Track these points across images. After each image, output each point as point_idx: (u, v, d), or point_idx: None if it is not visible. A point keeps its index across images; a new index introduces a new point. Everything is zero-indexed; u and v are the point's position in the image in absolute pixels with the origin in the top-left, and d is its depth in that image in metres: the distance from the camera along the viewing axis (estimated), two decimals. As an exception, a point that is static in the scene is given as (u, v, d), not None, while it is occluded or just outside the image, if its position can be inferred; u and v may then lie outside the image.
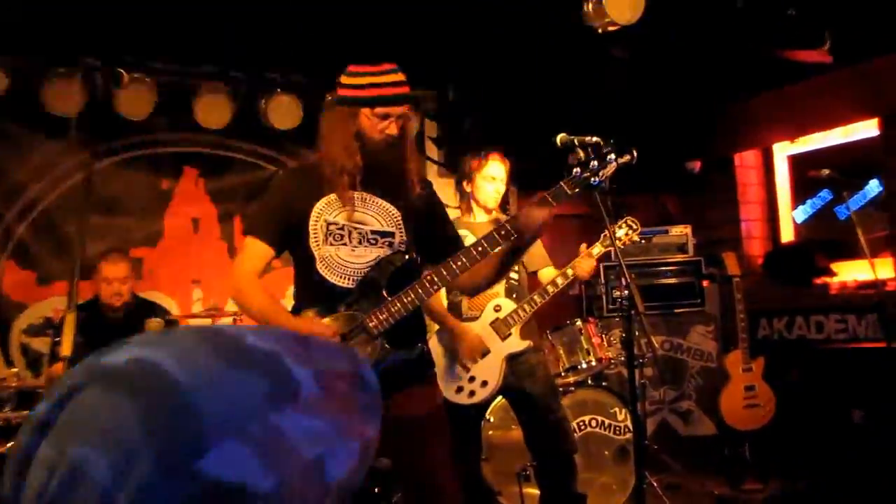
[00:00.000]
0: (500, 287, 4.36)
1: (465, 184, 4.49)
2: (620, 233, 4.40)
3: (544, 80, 6.09)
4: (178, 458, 0.76)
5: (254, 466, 0.78)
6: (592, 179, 2.71)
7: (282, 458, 0.81)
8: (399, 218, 2.89)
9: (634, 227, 4.44)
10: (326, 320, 2.78)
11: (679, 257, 6.49)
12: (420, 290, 2.76)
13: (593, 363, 4.76)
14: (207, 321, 5.39)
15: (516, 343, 4.27)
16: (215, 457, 0.77)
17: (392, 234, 2.87)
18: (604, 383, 5.25)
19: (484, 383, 4.19)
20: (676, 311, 6.45)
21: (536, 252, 4.54)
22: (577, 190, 2.71)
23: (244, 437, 0.79)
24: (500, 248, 2.81)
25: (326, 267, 2.82)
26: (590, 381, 5.08)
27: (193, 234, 6.50)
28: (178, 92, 6.00)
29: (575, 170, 2.72)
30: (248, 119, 6.25)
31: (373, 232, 2.85)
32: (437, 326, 4.24)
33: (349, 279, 2.82)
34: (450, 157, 7.03)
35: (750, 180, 7.38)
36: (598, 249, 4.34)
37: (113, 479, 0.74)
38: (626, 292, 3.58)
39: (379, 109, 2.82)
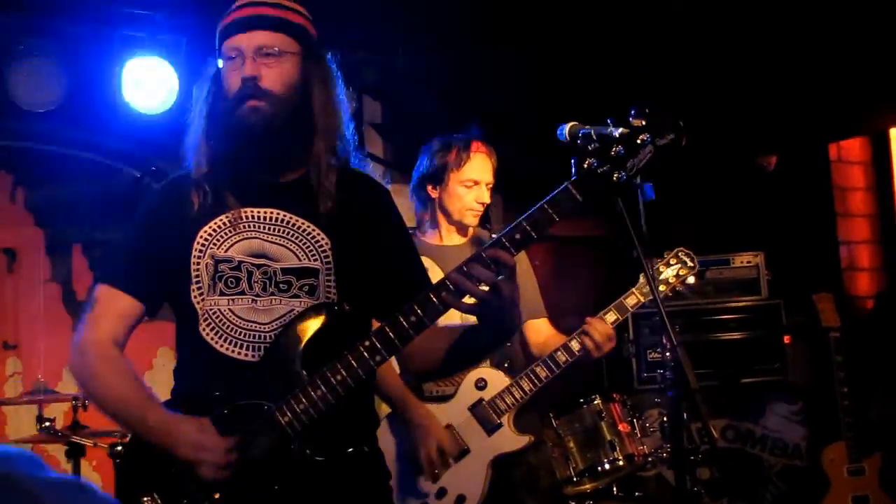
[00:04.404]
0: None
1: (429, 188, 4.49)
2: (668, 272, 4.40)
3: (543, 40, 6.12)
4: None
5: None
6: (616, 175, 2.62)
7: None
8: (327, 245, 2.82)
9: (690, 263, 4.42)
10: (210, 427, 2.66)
11: (747, 300, 6.52)
12: (354, 365, 2.67)
13: (620, 462, 4.74)
14: (31, 409, 5.28)
15: (509, 439, 4.24)
16: None
17: (315, 273, 2.80)
18: (637, 493, 5.22)
19: (460, 499, 4.17)
20: (745, 380, 6.46)
21: (528, 296, 4.52)
22: (590, 194, 2.63)
23: None
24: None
25: (214, 328, 2.78)
26: (616, 491, 5.05)
27: (7, 274, 6.46)
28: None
29: (588, 160, 2.63)
30: (91, 96, 6.20)
31: (285, 271, 2.79)
32: (387, 409, 4.22)
33: (251, 348, 2.76)
34: (401, 152, 7.03)
35: (854, 182, 7.45)
36: (612, 316, 4.34)
37: None
38: (669, 355, 3.58)
39: (226, 45, 2.80)
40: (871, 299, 7.28)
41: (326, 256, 2.81)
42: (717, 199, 7.33)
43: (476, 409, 4.26)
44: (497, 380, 4.29)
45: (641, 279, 4.36)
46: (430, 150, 4.50)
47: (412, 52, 6.62)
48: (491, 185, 4.46)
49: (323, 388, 2.65)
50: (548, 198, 2.64)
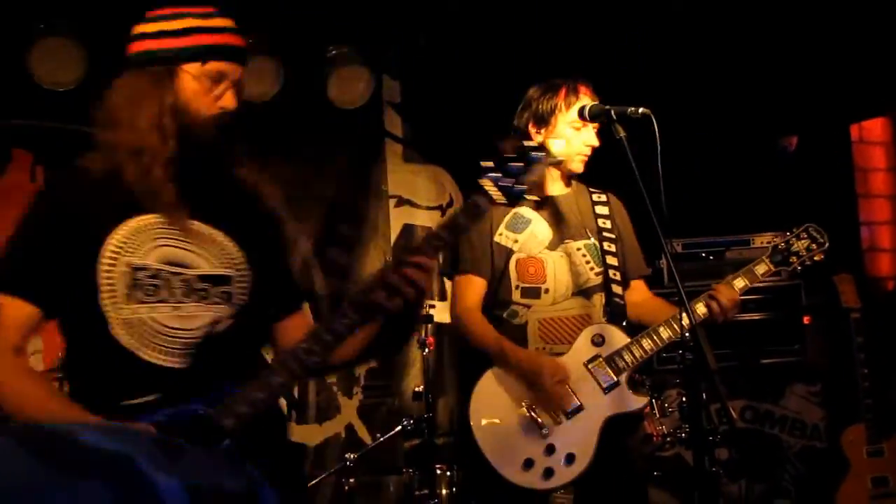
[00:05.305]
0: (594, 308, 4.29)
1: (533, 131, 4.28)
2: (799, 245, 4.33)
3: (561, 21, 6.12)
4: None
5: None
6: (515, 186, 2.85)
7: None
8: (239, 254, 2.89)
9: (821, 240, 4.33)
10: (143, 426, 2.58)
11: (767, 280, 6.46)
12: (294, 367, 2.74)
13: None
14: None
15: (626, 398, 4.12)
16: None
17: (229, 280, 2.86)
18: (655, 473, 5.23)
19: (569, 458, 4.03)
20: (764, 361, 6.46)
21: (632, 250, 4.49)
22: (495, 202, 2.88)
23: None
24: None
25: (136, 336, 2.73)
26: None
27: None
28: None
29: (493, 172, 2.87)
30: (111, 75, 6.22)
31: (201, 277, 2.82)
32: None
33: (176, 354, 2.76)
34: (420, 132, 7.03)
35: (875, 163, 7.43)
36: (741, 282, 4.28)
37: None
38: (688, 336, 3.57)
39: (213, 65, 2.80)
40: (892, 280, 7.26)
41: (236, 262, 2.87)
42: (738, 180, 7.32)
43: (592, 364, 4.14)
44: (615, 336, 4.18)
45: (769, 249, 4.35)
46: (531, 96, 4.31)
47: (432, 32, 6.62)
48: (597, 129, 4.25)
49: (264, 390, 2.68)
50: (459, 208, 2.87)
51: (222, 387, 2.70)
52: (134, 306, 2.72)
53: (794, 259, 4.31)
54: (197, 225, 2.83)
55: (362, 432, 6.61)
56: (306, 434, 6.48)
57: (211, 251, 2.83)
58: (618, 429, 4.15)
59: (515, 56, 6.38)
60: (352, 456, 5.56)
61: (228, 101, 2.82)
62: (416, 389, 5.66)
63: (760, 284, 6.37)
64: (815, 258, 4.34)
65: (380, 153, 7.01)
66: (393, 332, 2.90)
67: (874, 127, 7.42)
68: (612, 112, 3.74)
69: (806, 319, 6.46)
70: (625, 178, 3.61)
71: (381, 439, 5.96)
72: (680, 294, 3.48)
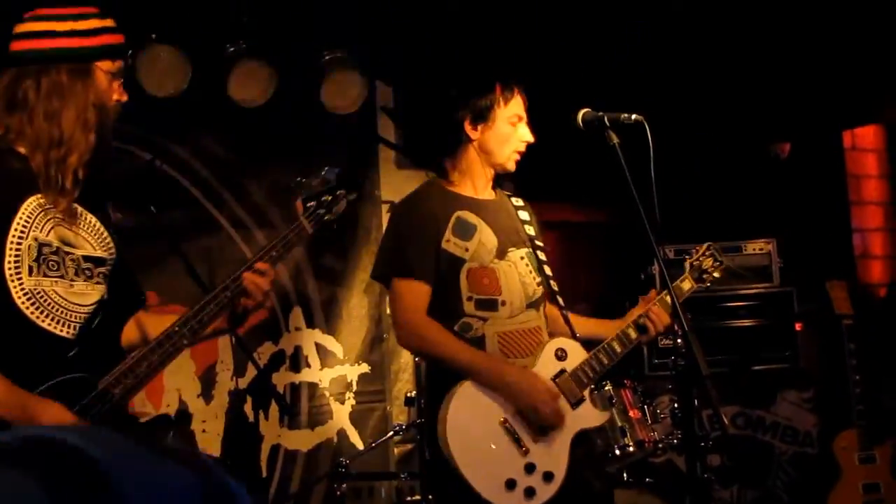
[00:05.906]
0: (543, 320, 4.24)
1: (469, 127, 4.15)
2: (707, 263, 4.37)
3: (556, 25, 6.13)
4: None
5: None
6: (327, 217, 3.35)
7: None
8: (108, 238, 3.14)
9: (719, 258, 4.40)
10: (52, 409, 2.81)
11: (759, 287, 6.52)
12: (168, 347, 3.04)
13: (631, 448, 4.73)
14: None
15: (592, 413, 4.12)
16: None
17: (104, 262, 3.11)
18: (647, 479, 5.23)
19: (548, 476, 3.97)
20: (756, 368, 6.47)
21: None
22: (317, 229, 3.35)
23: None
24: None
25: (39, 307, 2.92)
26: (627, 477, 5.06)
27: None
28: None
29: (309, 203, 3.35)
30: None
31: (86, 259, 3.06)
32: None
33: (73, 327, 2.98)
34: (413, 139, 7.03)
35: (868, 170, 7.45)
36: (688, 284, 4.30)
37: None
38: (681, 342, 3.59)
39: (119, 62, 3.09)
40: (884, 287, 7.28)
41: (110, 248, 3.13)
42: (730, 186, 7.34)
43: (559, 380, 4.08)
44: (576, 351, 4.15)
45: (687, 268, 4.36)
46: (462, 93, 4.20)
47: (427, 36, 6.62)
48: (528, 124, 4.18)
49: (145, 364, 2.99)
50: (289, 229, 3.31)
51: (116, 359, 2.99)
52: (38, 278, 2.91)
53: (706, 276, 4.36)
54: (80, 209, 3.06)
55: (354, 438, 6.60)
56: (298, 440, 6.48)
57: (91, 235, 3.07)
58: (580, 445, 4.13)
59: (511, 60, 6.39)
60: (344, 461, 5.56)
61: (124, 94, 3.10)
62: (409, 395, 5.66)
63: (751, 291, 6.45)
64: (716, 275, 4.42)
65: (373, 159, 7.01)
66: (237, 319, 3.28)
67: (866, 134, 7.45)
68: (606, 118, 3.75)
69: (798, 326, 6.48)
70: (618, 185, 3.62)
71: (374, 445, 5.97)
72: (673, 300, 3.51)
